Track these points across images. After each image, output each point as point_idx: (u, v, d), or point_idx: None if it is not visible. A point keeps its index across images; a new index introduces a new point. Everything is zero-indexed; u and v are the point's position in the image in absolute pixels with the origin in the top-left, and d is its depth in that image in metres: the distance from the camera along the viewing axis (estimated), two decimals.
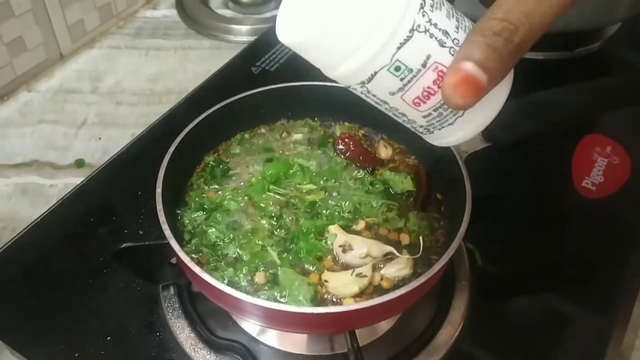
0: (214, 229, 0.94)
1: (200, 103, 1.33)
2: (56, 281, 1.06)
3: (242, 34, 1.79)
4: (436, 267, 0.82)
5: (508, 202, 1.08)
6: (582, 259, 1.17)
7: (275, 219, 0.97)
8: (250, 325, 1.00)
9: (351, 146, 1.06)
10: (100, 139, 1.44)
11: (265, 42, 1.63)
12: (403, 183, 1.02)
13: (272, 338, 0.99)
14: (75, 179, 1.32)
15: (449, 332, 1.00)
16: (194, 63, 1.68)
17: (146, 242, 0.91)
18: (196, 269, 0.80)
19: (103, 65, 1.67)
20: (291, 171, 1.04)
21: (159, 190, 0.90)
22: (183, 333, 0.99)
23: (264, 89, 1.09)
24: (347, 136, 1.07)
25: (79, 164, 1.37)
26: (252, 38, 1.72)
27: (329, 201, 0.99)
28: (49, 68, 1.62)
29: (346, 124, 1.14)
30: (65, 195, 1.19)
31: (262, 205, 0.98)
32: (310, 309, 0.78)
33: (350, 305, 0.79)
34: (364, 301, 0.78)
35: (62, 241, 1.13)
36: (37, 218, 1.15)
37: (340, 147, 1.07)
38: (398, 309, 0.87)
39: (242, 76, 1.52)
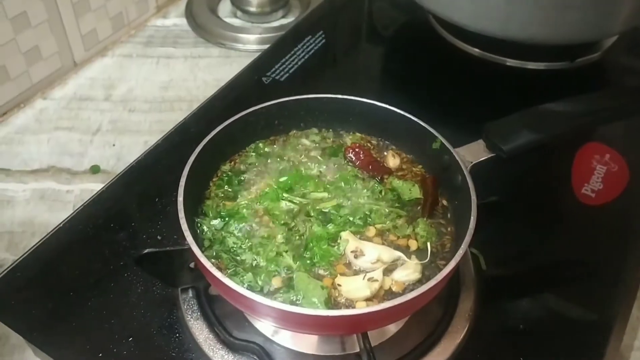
0: (231, 236, 0.98)
1: (213, 112, 1.42)
2: (79, 284, 1.09)
3: (251, 42, 1.82)
4: (444, 272, 0.86)
5: (511, 209, 1.11)
6: (582, 263, 1.21)
7: (289, 226, 1.00)
8: (265, 326, 1.04)
9: (361, 155, 1.10)
10: (114, 145, 1.47)
11: (275, 52, 1.66)
12: (411, 191, 1.05)
13: (286, 338, 1.03)
14: (91, 185, 1.35)
15: (455, 334, 1.04)
16: (204, 71, 1.71)
17: (167, 248, 0.93)
18: (217, 273, 0.85)
19: (115, 73, 1.70)
20: (304, 180, 1.07)
21: (180, 199, 0.93)
22: (202, 334, 1.02)
23: (278, 101, 1.13)
24: (358, 146, 1.11)
25: (95, 170, 1.40)
26: (260, 47, 1.75)
27: (341, 209, 1.03)
28: (63, 76, 1.65)
29: (357, 134, 1.17)
30: (85, 201, 1.22)
31: (277, 213, 1.02)
32: (325, 311, 0.83)
33: (363, 308, 0.84)
34: (377, 304, 0.83)
35: (84, 245, 1.15)
36: (60, 223, 1.17)
37: (351, 156, 1.11)
38: (408, 311, 0.91)
39: (253, 86, 1.55)
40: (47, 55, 1.57)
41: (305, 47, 1.68)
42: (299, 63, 1.62)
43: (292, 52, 1.64)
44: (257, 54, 1.66)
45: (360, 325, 0.89)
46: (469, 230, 0.91)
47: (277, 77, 1.57)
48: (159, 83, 1.65)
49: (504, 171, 1.15)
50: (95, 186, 1.31)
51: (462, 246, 0.89)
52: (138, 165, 1.31)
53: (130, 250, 1.13)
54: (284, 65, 1.61)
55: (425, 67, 1.64)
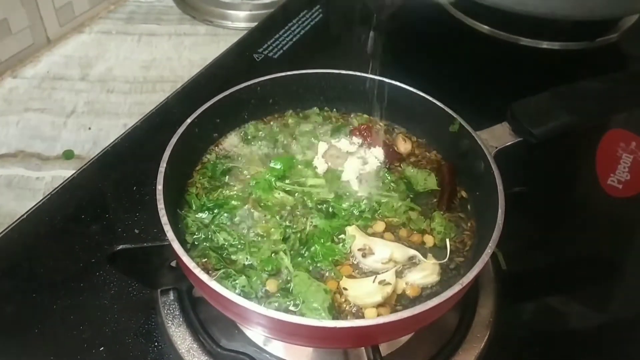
0: (222, 232, 0.87)
1: (198, 93, 1.32)
2: (44, 284, 0.99)
3: (240, 20, 1.73)
4: (471, 275, 0.75)
5: (534, 201, 1.01)
6: (609, 259, 1.11)
7: (285, 219, 0.89)
8: (257, 334, 0.92)
9: (369, 139, 0.99)
10: (90, 128, 1.38)
11: (268, 27, 1.57)
12: (426, 181, 0.95)
13: (280, 348, 0.92)
14: (63, 172, 1.25)
15: (474, 344, 0.92)
16: (189, 50, 1.63)
17: (144, 244, 0.82)
18: (204, 276, 0.72)
19: (93, 51, 1.61)
20: (300, 166, 0.96)
21: (160, 187, 0.82)
22: (184, 343, 0.91)
23: (272, 76, 1.02)
24: (365, 127, 1.01)
25: (68, 155, 1.31)
26: (250, 24, 1.66)
27: (345, 200, 0.92)
28: (35, 53, 1.56)
29: (365, 115, 1.07)
30: (54, 189, 1.12)
31: (270, 204, 0.91)
32: (331, 322, 0.70)
33: (376, 319, 0.70)
34: (391, 312, 0.70)
35: (51, 239, 1.05)
36: (24, 214, 1.07)
37: (357, 138, 1.00)
38: (428, 320, 0.79)
39: (243, 64, 1.46)
40: (16, 30, 1.47)
41: (300, 22, 1.59)
42: (294, 39, 1.52)
43: (287, 28, 1.55)
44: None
45: (371, 337, 0.77)
46: (496, 227, 0.80)
47: (269, 54, 1.48)
48: (140, 62, 1.57)
49: (529, 160, 1.07)
50: (68, 173, 1.20)
51: (489, 244, 0.78)
52: (114, 149, 1.21)
53: (104, 245, 1.03)
54: (278, 42, 1.52)
55: (431, 45, 1.55)
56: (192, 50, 1.61)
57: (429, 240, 0.88)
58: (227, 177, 0.96)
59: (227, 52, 1.48)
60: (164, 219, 0.78)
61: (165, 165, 0.85)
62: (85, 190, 1.12)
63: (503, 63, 1.46)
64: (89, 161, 1.18)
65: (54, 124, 1.37)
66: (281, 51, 1.49)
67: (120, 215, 1.09)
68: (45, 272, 1.00)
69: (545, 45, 1.50)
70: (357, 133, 1.00)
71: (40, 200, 1.09)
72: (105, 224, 1.07)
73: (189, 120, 0.92)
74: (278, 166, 0.95)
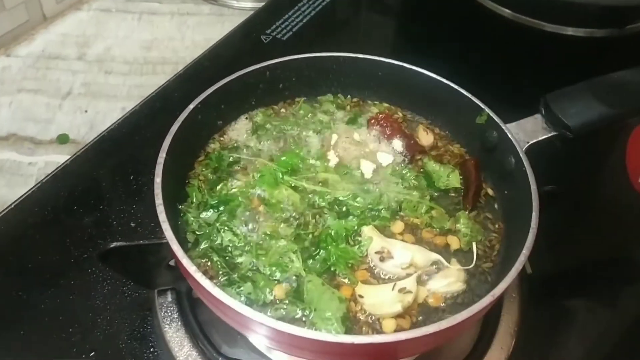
0: (226, 232, 0.79)
1: (202, 76, 1.26)
2: (31, 280, 0.92)
3: None
4: (504, 284, 0.67)
5: (564, 200, 0.94)
6: None
7: (296, 219, 0.82)
8: (261, 341, 0.84)
9: (388, 128, 0.92)
10: (86, 111, 1.32)
11: (276, 7, 1.51)
12: (449, 178, 0.88)
13: (285, 356, 0.85)
14: (57, 157, 1.20)
15: (498, 354, 0.85)
16: (193, 30, 1.57)
17: (140, 242, 0.76)
18: (206, 283, 0.65)
19: (91, 29, 1.55)
20: (312, 160, 0.89)
21: (158, 179, 0.75)
22: (182, 350, 0.84)
23: (283, 59, 0.95)
24: (385, 116, 0.94)
25: (62, 139, 1.25)
26: (258, 4, 1.59)
27: (360, 197, 0.84)
28: (30, 31, 1.50)
29: (384, 104, 1.00)
30: (46, 176, 1.06)
31: (275, 201, 0.83)
32: (350, 337, 0.62)
33: (400, 334, 0.62)
34: (419, 328, 0.63)
35: (40, 231, 0.99)
36: (12, 203, 1.01)
37: (375, 128, 0.93)
38: (454, 335, 0.72)
39: (250, 46, 1.39)
40: (11, 6, 1.42)
41: (311, 1, 1.52)
42: (304, 20, 1.46)
43: (296, 8, 1.49)
44: None
45: (390, 354, 0.69)
46: (530, 230, 0.73)
47: (278, 36, 1.41)
48: (140, 42, 1.51)
49: (561, 156, 1.00)
50: (62, 158, 1.16)
51: (523, 251, 0.71)
52: (110, 135, 1.14)
53: (97, 239, 0.97)
54: (287, 22, 1.45)
55: (451, 29, 1.48)
56: (196, 31, 1.56)
57: (454, 242, 0.81)
58: (231, 169, 0.89)
59: (233, 33, 1.42)
60: (162, 215, 0.71)
61: (165, 155, 0.78)
62: (79, 179, 1.06)
63: (526, 50, 1.40)
64: (83, 147, 1.12)
65: (49, 106, 1.32)
66: (290, 33, 1.42)
67: (116, 206, 1.02)
68: (33, 267, 0.94)
69: (570, 31, 1.42)
70: (375, 123, 0.93)
71: (30, 189, 1.04)
72: (100, 216, 1.01)
73: (191, 106, 0.85)
74: (286, 159, 0.88)
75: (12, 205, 1.00)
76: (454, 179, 0.87)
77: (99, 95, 1.36)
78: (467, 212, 0.84)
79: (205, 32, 1.55)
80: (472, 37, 1.45)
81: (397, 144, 0.91)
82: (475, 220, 0.84)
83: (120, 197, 1.04)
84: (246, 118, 0.96)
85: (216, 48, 1.35)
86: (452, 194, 0.88)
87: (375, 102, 1.00)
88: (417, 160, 0.91)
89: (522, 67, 1.32)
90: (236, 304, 0.63)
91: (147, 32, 1.54)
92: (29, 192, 1.02)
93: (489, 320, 0.88)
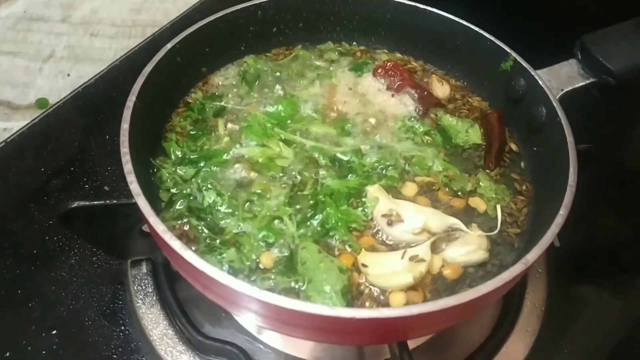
0: (210, 191, 0.69)
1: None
2: None
3: None
4: (538, 250, 0.57)
5: (599, 162, 0.83)
6: None
7: (290, 177, 0.72)
8: (249, 319, 0.73)
9: (397, 78, 0.82)
10: (68, 75, 1.24)
11: None
12: (469, 133, 0.78)
13: (276, 338, 0.75)
14: None
15: (523, 337, 0.75)
16: None
17: (106, 202, 0.66)
18: (176, 244, 0.53)
19: None
20: (308, 111, 0.79)
21: (125, 125, 0.66)
22: (157, 328, 0.74)
23: None
24: (394, 64, 0.83)
25: (42, 104, 1.16)
26: None
27: (365, 154, 0.74)
28: None
29: (397, 54, 0.89)
30: (10, 135, 0.95)
31: (266, 157, 0.73)
32: (350, 311, 0.52)
33: (410, 308, 0.51)
34: (433, 301, 0.52)
35: (2, 197, 0.89)
36: None
37: (382, 78, 0.83)
38: (476, 311, 0.62)
39: None
40: None
41: None
42: None
43: None
44: None
45: (399, 332, 0.58)
46: (568, 188, 0.63)
47: None
48: (129, 4, 1.43)
49: (599, 108, 0.89)
50: None
51: (560, 212, 0.61)
52: (87, 91, 1.04)
53: (66, 204, 0.84)
54: None
55: None
56: None
57: (478, 204, 0.71)
58: (215, 120, 0.79)
59: None
60: (127, 166, 0.62)
61: (134, 98, 0.69)
62: (47, 139, 0.97)
63: None
64: (54, 104, 1.02)
65: (28, 69, 1.25)
66: None
67: (89, 168, 0.93)
68: None
69: None
70: (382, 72, 0.83)
71: None
72: (69, 178, 0.91)
73: (169, 45, 0.76)
74: (278, 109, 0.78)
75: None
76: (475, 134, 0.77)
77: (83, 59, 1.28)
78: (489, 173, 0.73)
79: None
80: None
81: (408, 95, 0.80)
82: (500, 181, 0.74)
83: (94, 159, 0.94)
84: (235, 65, 0.86)
85: (208, 0, 1.26)
86: (470, 152, 0.78)
87: (385, 51, 0.90)
88: (431, 114, 0.81)
89: (554, 4, 1.19)
90: (215, 272, 0.52)
91: None
92: None
93: (512, 299, 0.78)
